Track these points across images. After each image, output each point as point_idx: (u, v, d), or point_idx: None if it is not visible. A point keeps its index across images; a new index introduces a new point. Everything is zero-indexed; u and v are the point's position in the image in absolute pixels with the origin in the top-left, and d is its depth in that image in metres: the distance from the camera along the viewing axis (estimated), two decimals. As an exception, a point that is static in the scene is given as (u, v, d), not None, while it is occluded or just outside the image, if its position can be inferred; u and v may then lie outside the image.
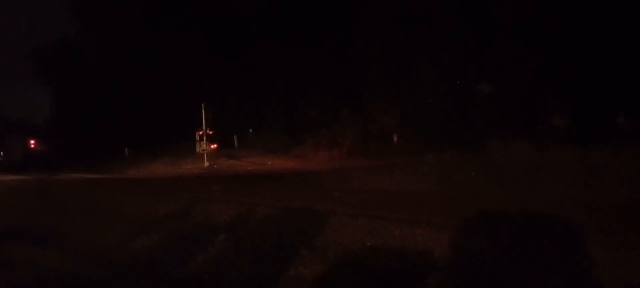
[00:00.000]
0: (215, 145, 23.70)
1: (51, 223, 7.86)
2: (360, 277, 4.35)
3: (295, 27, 25.31)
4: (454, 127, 18.92)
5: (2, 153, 66.22)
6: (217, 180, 14.70)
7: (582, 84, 16.29)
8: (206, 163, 22.41)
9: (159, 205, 9.09)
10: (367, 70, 22.35)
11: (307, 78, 24.85)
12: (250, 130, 28.70)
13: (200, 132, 23.15)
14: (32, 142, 51.75)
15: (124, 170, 23.03)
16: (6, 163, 47.07)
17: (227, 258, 5.10)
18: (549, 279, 3.94)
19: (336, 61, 23.89)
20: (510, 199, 7.72)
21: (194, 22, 29.35)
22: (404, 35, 20.48)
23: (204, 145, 22.99)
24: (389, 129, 21.35)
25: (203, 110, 23.02)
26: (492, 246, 4.74)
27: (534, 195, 7.97)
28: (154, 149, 27.32)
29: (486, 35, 18.44)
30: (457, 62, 19.15)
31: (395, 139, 20.95)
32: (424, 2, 19.91)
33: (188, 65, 29.45)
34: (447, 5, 19.46)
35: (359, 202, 8.07)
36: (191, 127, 24.14)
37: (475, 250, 4.70)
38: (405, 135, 20.68)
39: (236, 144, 27.43)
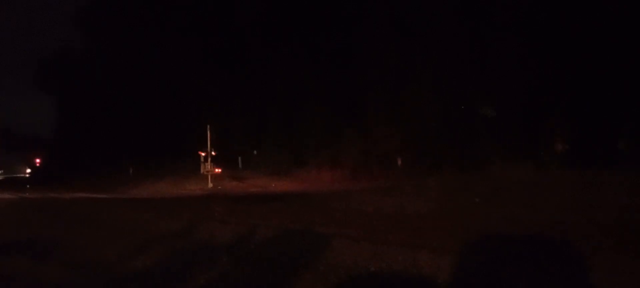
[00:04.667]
0: (219, 170, 23.77)
1: (53, 240, 7.96)
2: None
3: (294, 36, 25.59)
4: (456, 149, 18.95)
5: (2, 171, 65.71)
6: (221, 201, 14.73)
7: (583, 108, 16.37)
8: (210, 185, 22.45)
9: (162, 224, 9.14)
10: (367, 82, 22.48)
11: (306, 90, 24.98)
12: (255, 152, 28.80)
13: (204, 153, 23.24)
14: (38, 161, 52.10)
15: (128, 190, 23.12)
16: (9, 181, 47.22)
17: (228, 279, 5.12)
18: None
19: (335, 73, 24.03)
20: (512, 221, 7.73)
21: (194, 31, 29.87)
22: (404, 47, 20.65)
23: (208, 167, 23.07)
24: (391, 150, 21.36)
25: (208, 132, 23.16)
26: (494, 271, 4.76)
27: (536, 217, 7.97)
28: (159, 168, 27.45)
29: (486, 46, 18.59)
30: (457, 79, 19.27)
31: (399, 162, 20.95)
32: (423, 18, 20.14)
33: (189, 78, 29.87)
34: (446, 20, 19.66)
35: (362, 225, 8.06)
36: (194, 146, 24.25)
37: (478, 275, 4.72)
38: (408, 157, 20.69)
39: (240, 165, 27.53)
